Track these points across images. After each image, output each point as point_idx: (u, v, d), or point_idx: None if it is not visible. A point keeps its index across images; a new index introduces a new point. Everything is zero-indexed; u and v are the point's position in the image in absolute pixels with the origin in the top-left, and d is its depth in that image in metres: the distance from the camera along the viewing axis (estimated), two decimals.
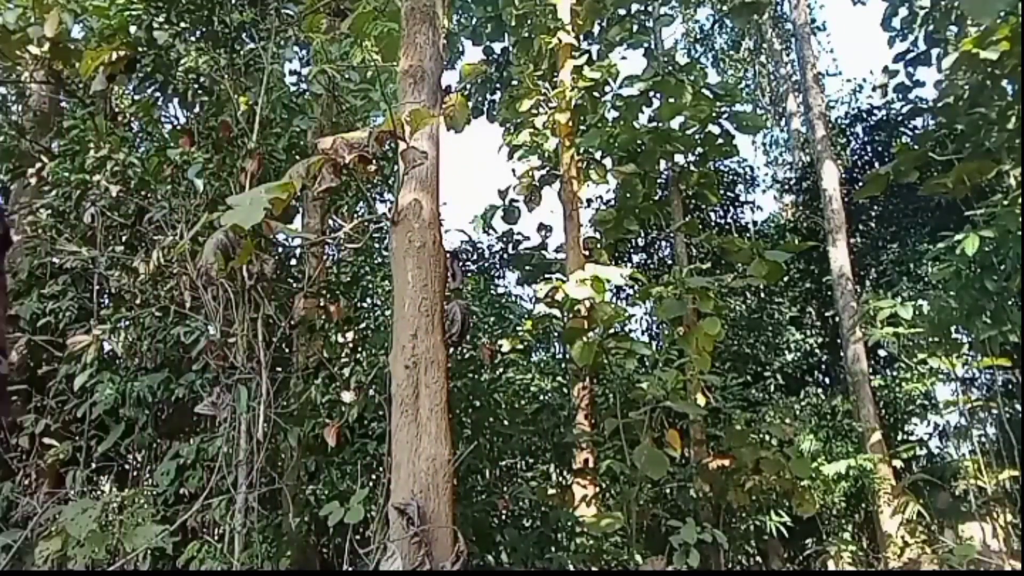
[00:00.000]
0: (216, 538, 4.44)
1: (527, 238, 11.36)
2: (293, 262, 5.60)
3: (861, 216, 12.51)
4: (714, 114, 9.13)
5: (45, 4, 5.88)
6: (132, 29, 5.22)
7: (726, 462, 7.30)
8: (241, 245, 3.83)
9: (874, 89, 14.03)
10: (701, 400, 7.35)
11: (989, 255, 6.65)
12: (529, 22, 10.02)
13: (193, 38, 5.25)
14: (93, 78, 5.24)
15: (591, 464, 7.15)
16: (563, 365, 8.41)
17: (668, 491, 7.36)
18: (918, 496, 9.05)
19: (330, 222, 5.90)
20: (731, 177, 13.20)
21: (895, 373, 10.73)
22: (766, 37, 16.97)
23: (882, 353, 10.94)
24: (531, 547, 4.91)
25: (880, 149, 12.96)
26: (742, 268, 9.04)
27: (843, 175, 11.99)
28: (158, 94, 5.57)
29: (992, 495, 8.15)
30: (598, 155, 9.79)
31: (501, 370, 5.93)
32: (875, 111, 13.35)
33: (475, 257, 11.75)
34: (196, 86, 5.26)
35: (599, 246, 9.66)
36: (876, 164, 12.21)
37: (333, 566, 4.65)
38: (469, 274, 9.57)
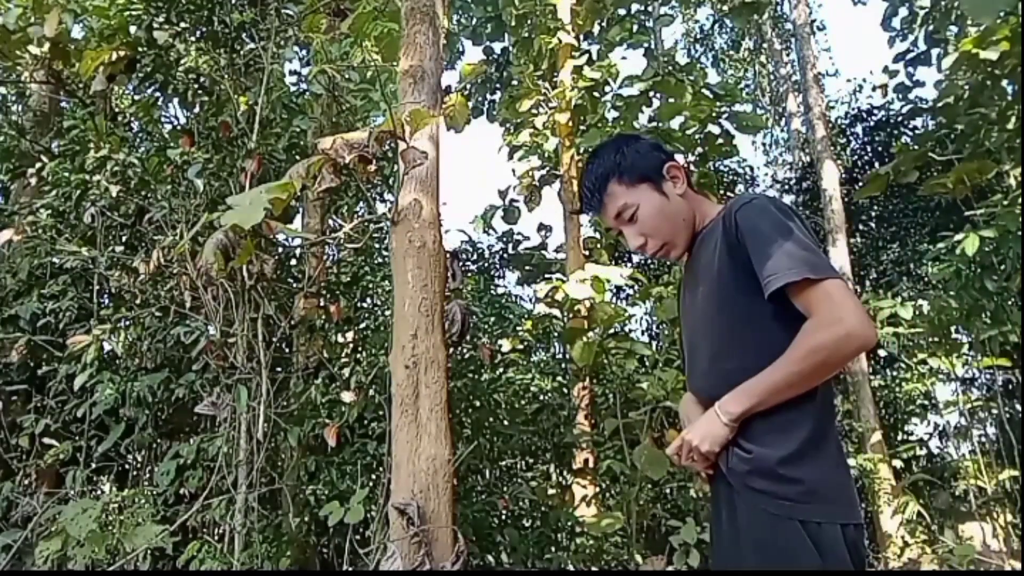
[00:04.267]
0: (216, 538, 4.44)
1: (527, 238, 11.37)
2: (293, 262, 5.59)
3: (861, 216, 12.50)
4: (714, 114, 9.13)
5: (45, 4, 5.88)
6: (132, 29, 5.21)
7: None
8: (241, 245, 3.83)
9: (874, 89, 14.05)
10: None
11: (989, 255, 6.66)
12: (529, 22, 10.01)
13: (193, 38, 5.24)
14: (93, 78, 5.23)
15: (591, 464, 7.15)
16: (563, 365, 8.40)
17: (668, 491, 7.36)
18: (918, 496, 9.04)
19: (330, 222, 5.89)
20: (731, 177, 13.20)
21: (895, 373, 10.73)
22: (766, 37, 16.97)
23: (882, 353, 10.94)
24: (531, 547, 4.91)
25: (880, 149, 12.96)
26: None
27: (843, 175, 11.99)
28: (158, 94, 5.57)
29: (992, 495, 8.15)
30: None
31: (501, 370, 5.93)
32: (875, 111, 13.36)
33: (475, 257, 11.75)
34: (196, 86, 5.25)
35: (599, 246, 9.66)
36: (876, 164, 12.21)
37: (333, 566, 4.65)
38: (469, 274, 9.57)
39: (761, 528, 1.50)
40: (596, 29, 10.49)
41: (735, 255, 1.60)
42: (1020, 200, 7.00)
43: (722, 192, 12.25)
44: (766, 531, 1.49)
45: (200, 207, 4.81)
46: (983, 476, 8.22)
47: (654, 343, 10.63)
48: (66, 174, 5.32)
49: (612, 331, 7.33)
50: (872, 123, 13.33)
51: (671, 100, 9.01)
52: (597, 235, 9.91)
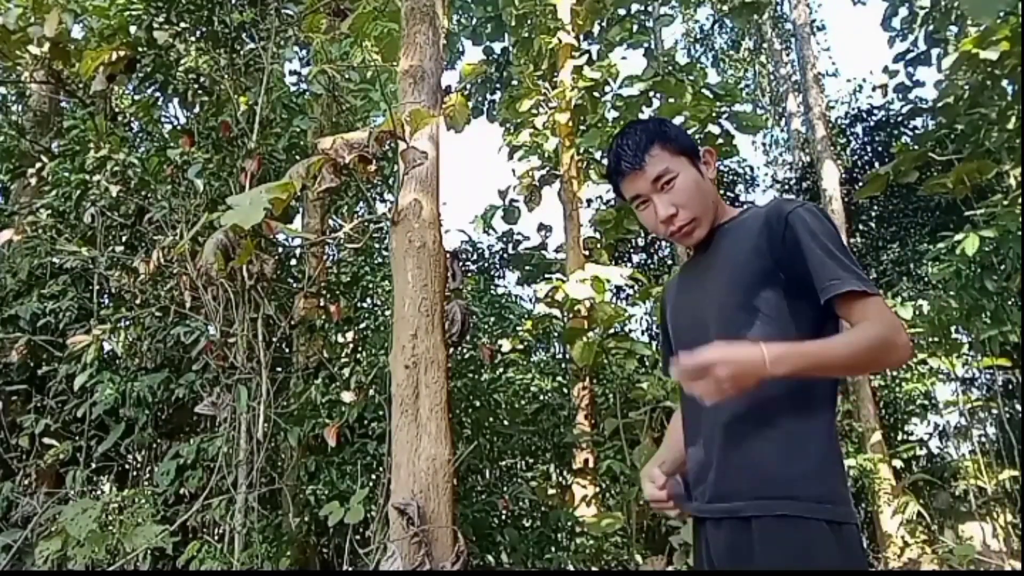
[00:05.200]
0: (216, 538, 4.44)
1: (527, 238, 11.38)
2: (293, 262, 5.60)
3: (861, 216, 12.51)
4: (714, 114, 9.13)
5: (45, 4, 5.88)
6: (132, 29, 5.22)
7: None
8: (241, 245, 3.84)
9: (874, 89, 14.06)
10: None
11: (989, 255, 6.65)
12: (529, 22, 10.02)
13: (193, 38, 5.25)
14: (93, 78, 5.23)
15: (591, 464, 7.15)
16: (563, 365, 8.40)
17: None
18: (918, 496, 9.04)
19: (330, 222, 5.89)
20: (731, 177, 13.21)
21: (895, 373, 10.73)
22: (766, 37, 16.97)
23: None
24: (531, 547, 4.91)
25: (880, 149, 12.96)
26: None
27: (843, 175, 11.99)
28: (158, 94, 5.57)
29: (992, 495, 8.15)
30: (598, 155, 9.79)
31: (501, 370, 5.93)
32: (875, 111, 13.36)
33: (475, 257, 11.75)
34: (196, 86, 5.26)
35: (599, 246, 9.66)
36: (876, 164, 12.22)
37: (333, 566, 4.65)
38: (469, 274, 9.57)
39: (785, 531, 1.49)
40: (596, 29, 10.49)
41: (776, 251, 1.60)
42: (1020, 200, 7.01)
43: (722, 192, 12.21)
44: (792, 534, 1.48)
45: (200, 207, 4.81)
46: (983, 476, 8.22)
47: (654, 343, 10.63)
48: (66, 174, 5.32)
49: (612, 331, 7.33)
50: (872, 123, 13.33)
51: (671, 100, 9.01)
52: (597, 235, 9.92)
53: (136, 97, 6.07)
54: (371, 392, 4.56)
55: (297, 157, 5.00)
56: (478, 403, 5.28)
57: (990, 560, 7.74)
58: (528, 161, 10.31)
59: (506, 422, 5.64)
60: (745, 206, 1.82)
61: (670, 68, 9.25)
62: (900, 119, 12.69)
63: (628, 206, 1.83)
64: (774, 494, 1.51)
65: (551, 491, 6.76)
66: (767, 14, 15.20)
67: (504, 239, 11.48)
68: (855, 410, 9.98)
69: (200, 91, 5.28)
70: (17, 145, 6.22)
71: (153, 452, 5.21)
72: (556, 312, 7.66)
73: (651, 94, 9.28)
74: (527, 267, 11.06)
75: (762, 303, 1.61)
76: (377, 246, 5.96)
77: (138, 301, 4.94)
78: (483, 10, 11.08)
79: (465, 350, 5.23)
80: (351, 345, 5.29)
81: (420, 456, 3.39)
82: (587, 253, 9.17)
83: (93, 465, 5.00)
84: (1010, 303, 6.84)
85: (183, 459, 4.48)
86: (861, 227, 12.55)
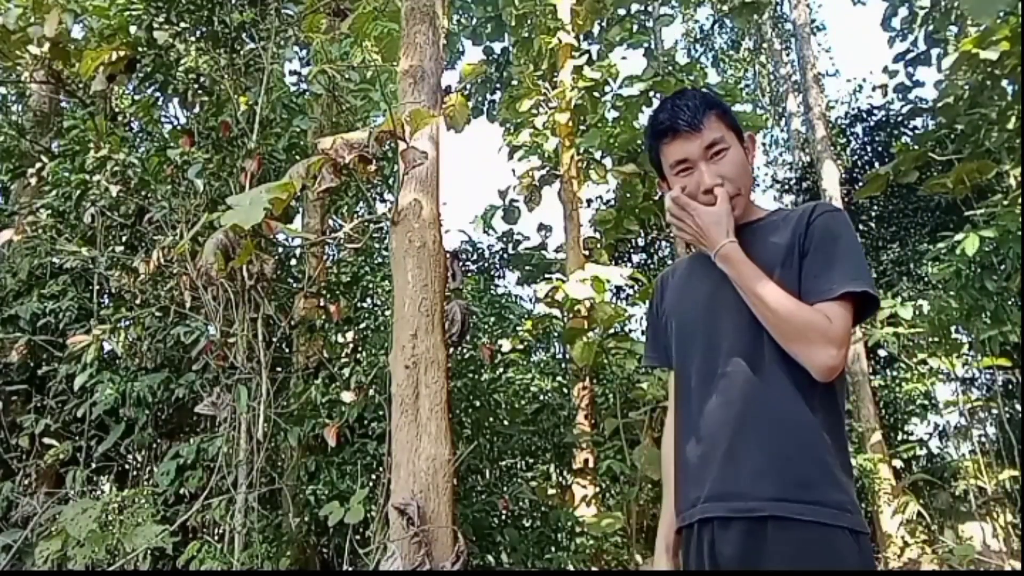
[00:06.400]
0: (216, 538, 4.44)
1: (527, 238, 11.39)
2: (293, 262, 5.60)
3: (861, 216, 12.51)
4: None
5: (45, 4, 5.88)
6: (132, 29, 5.22)
7: None
8: (241, 245, 3.84)
9: (874, 89, 14.07)
10: None
11: (989, 255, 6.65)
12: (529, 22, 10.02)
13: (193, 38, 5.25)
14: (93, 78, 5.24)
15: (591, 464, 7.15)
16: (563, 365, 8.40)
17: None
18: (918, 496, 9.05)
19: (330, 222, 5.89)
20: None
21: (895, 373, 10.73)
22: (766, 37, 16.98)
23: (882, 353, 10.94)
24: (531, 547, 4.91)
25: (880, 149, 12.97)
26: None
27: (843, 175, 11.99)
28: (158, 94, 5.57)
29: (992, 495, 8.15)
30: (598, 155, 9.79)
31: (501, 370, 5.92)
32: (875, 111, 13.36)
33: (475, 257, 11.75)
34: (196, 86, 5.26)
35: (599, 246, 9.66)
36: (876, 164, 12.22)
37: (333, 566, 4.65)
38: (469, 274, 9.57)
39: (810, 536, 1.47)
40: (596, 29, 10.50)
41: (800, 251, 1.61)
42: (1020, 200, 7.01)
43: None
44: (818, 540, 1.46)
45: (200, 207, 4.81)
46: (983, 476, 8.23)
47: None
48: (66, 174, 5.32)
49: (612, 331, 7.33)
50: (872, 123, 13.33)
51: None
52: (597, 235, 9.92)
53: (136, 97, 6.07)
54: (371, 392, 4.56)
55: (297, 157, 5.00)
56: (478, 403, 5.28)
57: (990, 560, 7.74)
58: (528, 161, 10.31)
59: (506, 422, 5.63)
60: (779, 208, 1.80)
61: (670, 68, 9.26)
62: (900, 119, 12.69)
63: (652, 176, 1.80)
64: (797, 497, 1.48)
65: (551, 491, 6.76)
66: (767, 14, 15.21)
67: (504, 239, 11.48)
68: (855, 410, 9.98)
69: (200, 91, 5.27)
70: (17, 145, 6.22)
71: (153, 452, 5.21)
72: (556, 312, 7.66)
73: (651, 94, 9.27)
74: (527, 267, 11.06)
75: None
76: (377, 246, 5.96)
77: (138, 301, 4.94)
78: (483, 10, 11.08)
79: (465, 350, 5.22)
80: (351, 345, 5.29)
81: (420, 456, 3.39)
82: (587, 253, 9.17)
83: (93, 465, 5.00)
84: (1010, 303, 6.84)
85: (183, 459, 4.48)
86: (861, 227, 12.55)
